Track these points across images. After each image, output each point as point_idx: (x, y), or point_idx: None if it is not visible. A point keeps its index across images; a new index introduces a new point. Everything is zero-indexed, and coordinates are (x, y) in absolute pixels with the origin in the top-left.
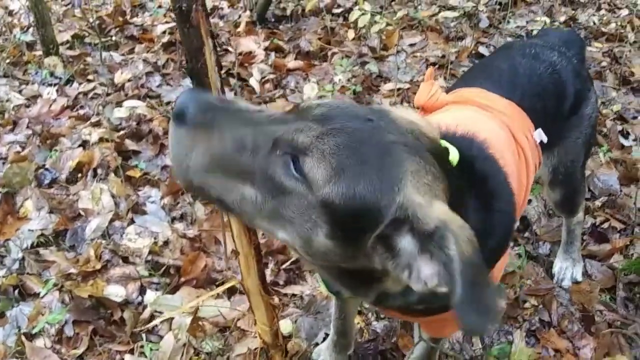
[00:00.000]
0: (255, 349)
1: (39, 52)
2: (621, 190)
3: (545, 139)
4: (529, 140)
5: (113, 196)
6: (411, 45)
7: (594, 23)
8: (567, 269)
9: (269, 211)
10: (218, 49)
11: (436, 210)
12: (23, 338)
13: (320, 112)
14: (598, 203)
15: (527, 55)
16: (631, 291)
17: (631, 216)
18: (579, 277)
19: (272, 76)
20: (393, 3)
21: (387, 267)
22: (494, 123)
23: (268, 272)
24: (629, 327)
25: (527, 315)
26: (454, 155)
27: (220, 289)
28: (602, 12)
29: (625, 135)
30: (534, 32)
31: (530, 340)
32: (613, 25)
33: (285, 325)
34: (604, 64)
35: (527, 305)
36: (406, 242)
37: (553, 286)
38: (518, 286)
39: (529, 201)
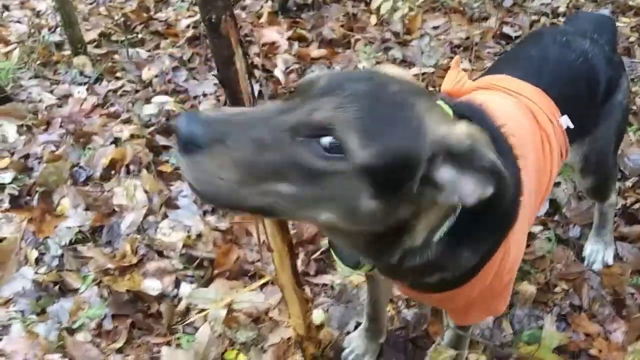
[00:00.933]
0: (289, 338)
1: (68, 52)
2: None
3: (571, 125)
4: (555, 126)
5: (146, 192)
6: (434, 28)
7: None
8: (598, 252)
9: (309, 199)
10: (243, 42)
11: (459, 131)
12: (64, 333)
13: (325, 84)
14: (629, 184)
15: (558, 42)
16: None
17: None
18: (610, 261)
19: (296, 66)
20: None
21: (437, 201)
22: (516, 108)
23: (299, 262)
24: None
25: (557, 299)
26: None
27: (256, 285)
28: None
29: None
30: (560, 9)
31: (561, 325)
32: None
33: (317, 315)
34: (632, 39)
35: (557, 289)
36: (446, 172)
37: (584, 270)
38: (548, 270)
39: (558, 184)
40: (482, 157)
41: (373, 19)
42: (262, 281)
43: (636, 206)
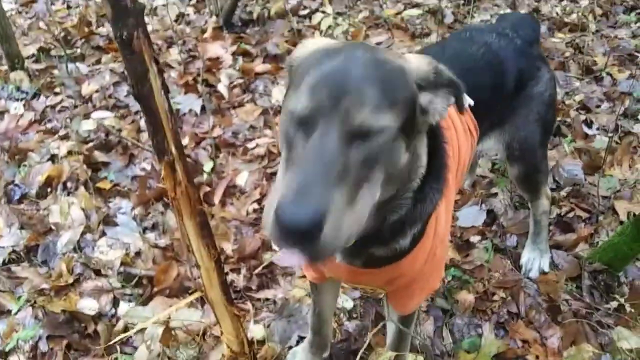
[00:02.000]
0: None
1: (5, 67)
2: (586, 179)
3: (471, 102)
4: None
5: (83, 209)
6: (377, 44)
7: (557, 14)
8: (534, 259)
9: (386, 184)
10: (184, 55)
11: (422, 63)
12: None
13: (326, 87)
14: (563, 193)
15: (461, 39)
16: (596, 279)
17: (595, 204)
18: (546, 268)
19: (240, 81)
20: (359, 2)
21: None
22: None
23: (240, 277)
24: (594, 315)
25: (495, 307)
26: None
27: (187, 301)
28: (565, 2)
29: (589, 124)
30: None
31: (500, 332)
32: (575, 15)
33: (258, 330)
34: (567, 54)
35: (495, 297)
36: (426, 97)
37: (520, 278)
38: (487, 279)
39: (495, 194)
40: (443, 75)
41: (317, 35)
42: (192, 298)
43: (570, 215)
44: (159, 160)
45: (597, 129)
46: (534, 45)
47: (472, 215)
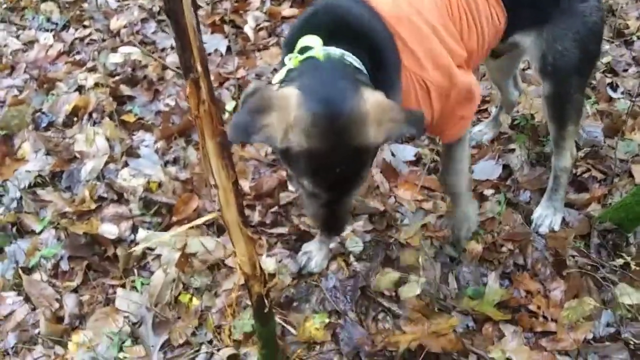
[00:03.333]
0: (242, 285)
1: None
2: (605, 142)
3: None
4: None
5: (108, 139)
6: None
7: None
8: (546, 216)
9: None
10: None
11: (377, 114)
12: (20, 272)
13: (319, 168)
14: (581, 154)
15: None
16: (604, 238)
17: (612, 167)
18: (557, 227)
19: (266, 24)
20: None
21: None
22: None
23: (256, 214)
24: (599, 271)
25: (502, 258)
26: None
27: (200, 221)
28: None
29: (615, 88)
30: None
31: (504, 282)
32: None
33: (270, 263)
34: None
35: (503, 249)
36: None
37: (530, 232)
38: (496, 231)
39: (512, 150)
40: (397, 117)
41: None
42: (207, 217)
43: (586, 175)
44: (185, 77)
45: (622, 92)
46: None
47: (488, 169)
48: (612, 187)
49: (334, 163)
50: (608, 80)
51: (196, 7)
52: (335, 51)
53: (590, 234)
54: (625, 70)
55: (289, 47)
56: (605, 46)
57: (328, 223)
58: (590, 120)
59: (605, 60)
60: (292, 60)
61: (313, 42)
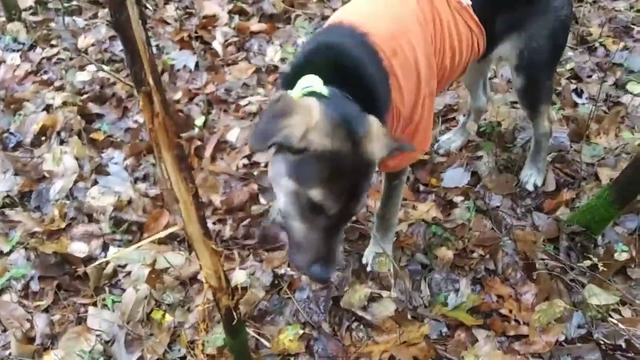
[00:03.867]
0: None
1: (2, 18)
2: (571, 147)
3: (469, 2)
4: (451, 3)
5: (77, 158)
6: None
7: None
8: (531, 175)
9: None
10: (180, 12)
11: (380, 143)
12: None
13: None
14: (548, 158)
15: None
16: (573, 240)
17: (579, 171)
18: (539, 183)
19: (235, 39)
20: None
21: None
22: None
23: (227, 228)
24: (568, 274)
25: (473, 264)
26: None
27: (163, 233)
28: None
29: (579, 93)
30: None
31: (476, 288)
32: None
33: (241, 276)
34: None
35: (474, 255)
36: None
37: (499, 237)
38: (467, 237)
39: (480, 157)
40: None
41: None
42: (169, 230)
43: (553, 179)
44: (137, 91)
45: (587, 98)
46: None
47: (457, 176)
48: (579, 190)
49: (348, 170)
50: (573, 86)
51: (144, 20)
52: (335, 90)
53: (559, 237)
54: (590, 77)
55: (288, 84)
56: (569, 53)
57: (322, 253)
58: (556, 125)
59: (569, 66)
60: (296, 96)
61: (314, 82)
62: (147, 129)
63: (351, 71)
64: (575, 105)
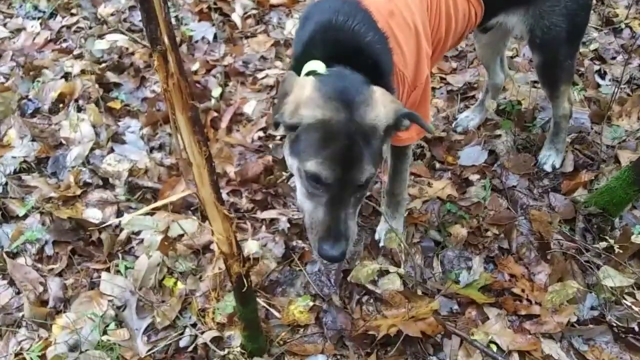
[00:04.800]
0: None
1: None
2: (592, 128)
3: None
4: None
5: (94, 126)
6: None
7: None
8: (549, 156)
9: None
10: None
11: (389, 117)
12: (5, 256)
13: (332, 153)
14: (568, 139)
15: None
16: (589, 222)
17: (599, 153)
18: (558, 164)
19: (254, 12)
20: None
21: None
22: None
23: (243, 200)
24: (584, 255)
25: (487, 242)
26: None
27: (175, 197)
28: None
29: (602, 75)
30: None
31: (489, 266)
32: None
33: (253, 246)
34: None
35: (488, 233)
36: (388, 132)
37: (515, 217)
38: (481, 216)
39: (498, 136)
40: (402, 116)
41: None
42: (181, 195)
43: (572, 160)
44: (152, 50)
45: (610, 80)
46: None
47: (474, 155)
48: (598, 172)
49: (342, 137)
50: (596, 68)
51: None
52: (336, 68)
53: (576, 218)
54: (614, 58)
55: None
56: (594, 34)
57: (332, 230)
58: (578, 106)
59: (593, 47)
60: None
61: (317, 67)
62: (162, 89)
63: (350, 47)
64: (598, 86)
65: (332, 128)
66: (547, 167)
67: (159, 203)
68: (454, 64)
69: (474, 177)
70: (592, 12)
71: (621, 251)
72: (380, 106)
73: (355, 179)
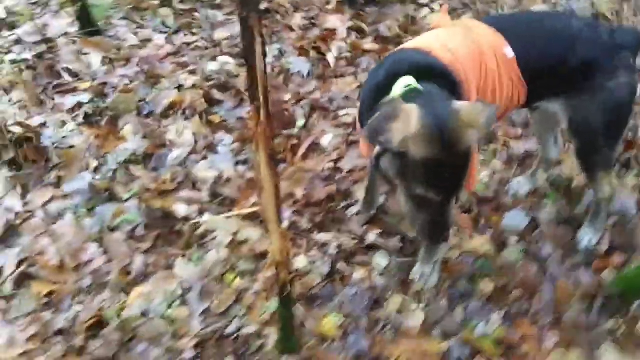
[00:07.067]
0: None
1: (157, 2)
2: (637, 213)
3: (512, 54)
4: (498, 53)
5: (194, 134)
6: None
7: None
8: (587, 234)
9: None
10: (305, 21)
11: (475, 125)
12: (105, 229)
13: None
14: (610, 222)
15: (550, 15)
16: (609, 302)
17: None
18: (594, 243)
19: (348, 54)
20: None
21: None
22: (462, 39)
23: (304, 220)
24: (593, 331)
25: (510, 301)
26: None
27: (245, 211)
28: None
29: None
30: None
31: (505, 322)
32: None
33: (303, 260)
34: None
35: (513, 294)
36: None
37: (541, 283)
38: (510, 277)
39: (544, 205)
40: (485, 122)
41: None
42: (250, 210)
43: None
44: (250, 103)
45: None
46: (623, 50)
47: (517, 219)
48: (631, 257)
49: (445, 168)
50: None
51: (264, 55)
52: (427, 85)
53: (597, 295)
54: None
55: (379, 91)
56: None
57: (435, 230)
58: (628, 191)
59: None
60: (398, 95)
61: (410, 81)
62: (253, 132)
63: (433, 71)
64: None
65: (437, 162)
66: (583, 244)
67: (235, 213)
68: (520, 131)
69: (512, 240)
70: None
71: (629, 332)
72: (468, 127)
73: (457, 192)
